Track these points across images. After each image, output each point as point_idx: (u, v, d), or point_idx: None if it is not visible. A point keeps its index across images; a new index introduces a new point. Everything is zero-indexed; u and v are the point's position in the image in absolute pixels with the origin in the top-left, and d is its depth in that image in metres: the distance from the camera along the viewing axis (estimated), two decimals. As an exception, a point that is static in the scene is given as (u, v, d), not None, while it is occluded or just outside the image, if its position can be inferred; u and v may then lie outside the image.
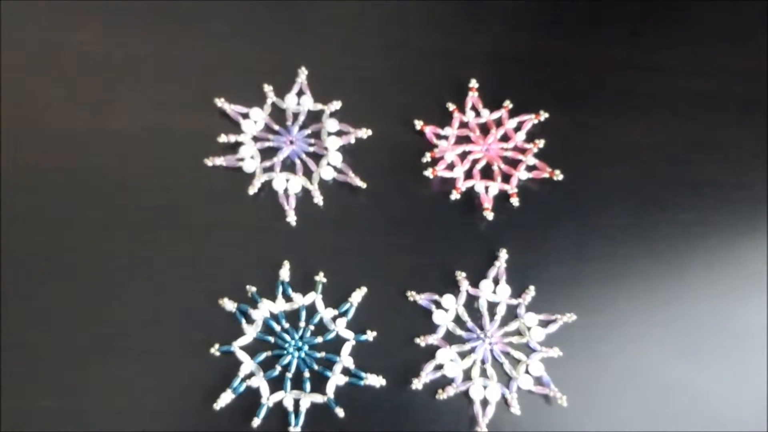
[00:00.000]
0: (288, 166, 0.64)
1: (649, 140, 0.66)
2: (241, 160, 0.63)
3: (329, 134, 0.64)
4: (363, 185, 0.62)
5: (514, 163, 0.64)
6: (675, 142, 0.66)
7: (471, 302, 0.59)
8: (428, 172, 0.62)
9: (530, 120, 0.65)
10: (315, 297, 0.58)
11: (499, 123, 0.66)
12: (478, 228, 0.62)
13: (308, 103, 0.65)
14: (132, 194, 0.62)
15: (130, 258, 0.60)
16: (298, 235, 0.61)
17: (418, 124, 0.65)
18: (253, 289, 0.59)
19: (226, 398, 0.55)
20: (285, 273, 0.59)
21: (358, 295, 0.58)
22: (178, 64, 0.67)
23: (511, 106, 0.66)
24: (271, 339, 0.57)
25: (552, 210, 0.63)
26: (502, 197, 0.63)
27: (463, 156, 0.64)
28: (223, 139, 0.63)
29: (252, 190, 0.62)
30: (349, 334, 0.57)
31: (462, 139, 0.65)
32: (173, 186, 0.63)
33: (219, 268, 0.60)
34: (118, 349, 0.57)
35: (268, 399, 0.55)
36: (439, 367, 0.57)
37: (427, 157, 0.64)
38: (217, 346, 0.57)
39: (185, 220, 0.61)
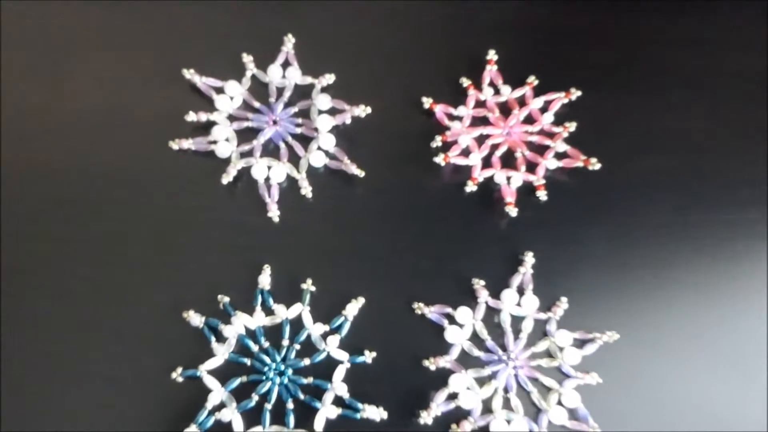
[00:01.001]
0: (270, 150, 0.52)
1: (696, 125, 0.54)
2: (214, 143, 0.51)
3: (320, 113, 0.52)
4: (360, 174, 0.51)
5: (540, 150, 0.53)
6: (726, 128, 0.54)
7: (491, 316, 0.48)
8: (439, 159, 0.51)
9: (559, 99, 0.54)
10: (301, 309, 0.47)
11: (522, 102, 0.54)
12: (499, 227, 0.51)
13: (295, 76, 0.53)
14: (82, 183, 0.51)
15: (77, 261, 0.48)
16: (281, 233, 0.50)
17: (427, 102, 0.53)
18: (226, 299, 0.47)
19: (189, 436, 0.43)
20: (265, 279, 0.47)
21: (353, 308, 0.47)
22: (141, 32, 0.55)
23: (536, 82, 0.54)
24: (247, 361, 0.45)
25: (586, 206, 0.51)
26: (527, 190, 0.52)
27: (481, 140, 0.53)
28: (191, 117, 0.51)
29: (226, 178, 0.50)
30: (342, 355, 0.46)
31: (479, 121, 0.54)
32: (131, 174, 0.51)
33: (184, 274, 0.48)
34: (63, 371, 0.46)
35: (242, 437, 0.44)
36: (453, 396, 0.45)
37: (437, 141, 0.52)
38: (179, 370, 0.45)
39: (145, 215, 0.50)
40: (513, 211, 0.50)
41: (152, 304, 0.47)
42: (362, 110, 0.52)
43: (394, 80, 0.55)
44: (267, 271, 0.48)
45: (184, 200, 0.50)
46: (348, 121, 0.52)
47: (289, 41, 0.55)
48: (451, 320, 0.47)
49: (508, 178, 0.51)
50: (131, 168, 0.51)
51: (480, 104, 0.54)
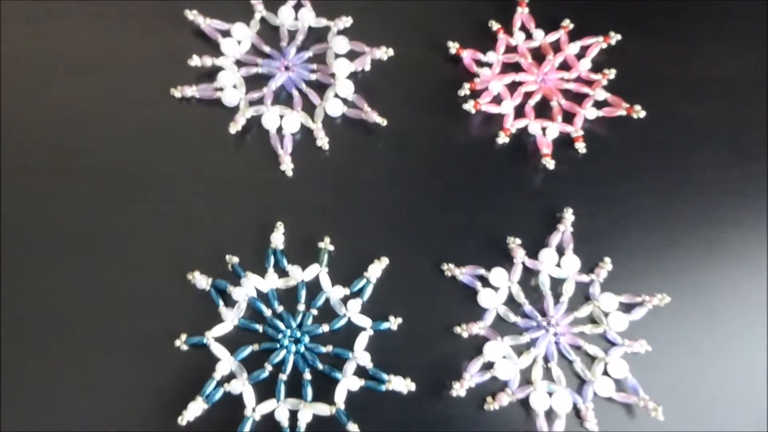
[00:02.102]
0: (283, 98, 0.46)
1: (741, 75, 0.48)
2: (220, 90, 0.45)
3: (337, 57, 0.46)
4: (382, 123, 0.44)
5: (578, 99, 0.47)
6: (776, 77, 0.48)
7: (528, 278, 0.42)
8: (469, 106, 0.45)
9: (597, 44, 0.48)
10: (319, 270, 0.41)
11: (557, 48, 0.48)
12: (534, 181, 0.45)
13: (309, 17, 0.47)
14: (75, 134, 0.45)
15: (73, 217, 0.42)
16: (295, 188, 0.44)
17: (453, 47, 0.47)
18: (235, 259, 0.41)
19: (195, 409, 0.38)
20: (278, 238, 0.41)
21: (376, 269, 0.41)
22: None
23: (571, 26, 0.48)
24: (259, 327, 0.40)
25: (627, 159, 0.46)
26: (564, 142, 0.46)
27: (513, 88, 0.47)
28: (195, 62, 0.45)
29: (234, 128, 0.44)
30: (365, 321, 0.40)
31: (510, 68, 0.48)
32: (129, 125, 0.45)
33: (189, 233, 0.42)
34: (61, 341, 0.40)
35: (254, 410, 0.38)
36: (488, 366, 0.40)
37: (465, 89, 0.46)
38: (184, 337, 0.39)
39: (146, 168, 0.44)
40: (550, 164, 0.44)
41: (153, 265, 0.41)
42: (384, 52, 0.46)
43: (416, 23, 0.49)
44: (280, 228, 0.42)
45: (188, 153, 0.44)
46: (367, 67, 0.46)
47: (301, -19, 0.49)
48: (485, 283, 0.42)
49: (544, 129, 0.45)
50: (129, 118, 0.45)
51: (511, 50, 0.48)
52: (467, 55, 0.47)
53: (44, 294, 0.41)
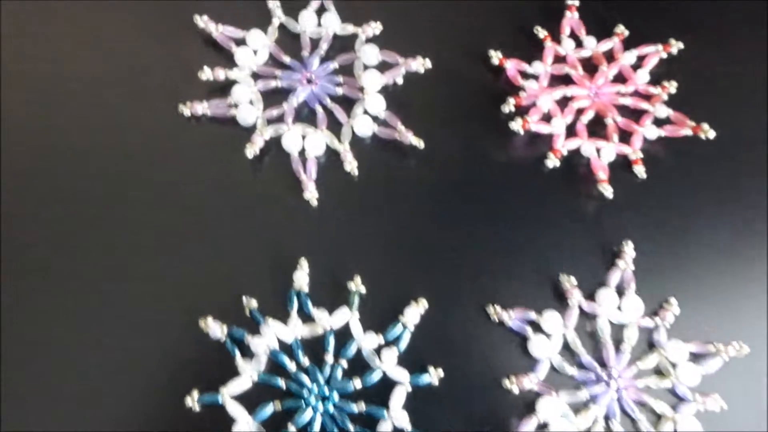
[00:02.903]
0: (305, 115, 0.40)
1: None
2: (235, 106, 0.39)
3: (366, 68, 0.40)
4: (419, 144, 0.39)
5: (635, 115, 0.41)
6: None
7: (585, 323, 0.37)
8: (516, 125, 0.39)
9: (656, 53, 0.42)
10: (349, 316, 0.35)
11: (610, 57, 0.42)
12: (588, 210, 0.39)
13: (334, 23, 0.41)
14: (76, 156, 0.39)
15: (73, 250, 0.37)
16: (320, 218, 0.38)
17: (495, 56, 0.41)
18: (253, 303, 0.36)
19: (209, 480, 0.32)
20: (302, 278, 0.36)
21: (414, 313, 0.36)
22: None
23: (626, 33, 0.42)
24: (282, 383, 0.34)
25: (695, 185, 0.40)
26: (621, 164, 0.40)
27: (563, 103, 0.41)
28: (206, 75, 0.40)
29: (251, 150, 0.38)
30: (402, 375, 0.34)
31: (558, 80, 0.42)
32: (132, 147, 0.40)
33: (200, 271, 0.37)
34: (60, 400, 0.35)
35: (278, 482, 0.33)
36: (543, 426, 0.34)
37: (509, 105, 0.40)
38: (196, 394, 0.34)
39: (150, 196, 0.39)
40: (608, 191, 0.38)
41: (159, 307, 0.36)
42: (420, 64, 0.40)
43: (453, 30, 0.43)
44: (304, 266, 0.36)
45: (198, 178, 0.39)
46: (400, 80, 0.40)
47: (325, -18, 0.43)
48: (536, 328, 0.36)
49: (598, 150, 0.40)
50: (131, 138, 0.39)
51: (559, 59, 0.42)
52: (511, 66, 0.41)
53: (44, 349, 0.35)
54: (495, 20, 0.43)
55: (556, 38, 0.42)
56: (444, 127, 0.40)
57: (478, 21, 0.43)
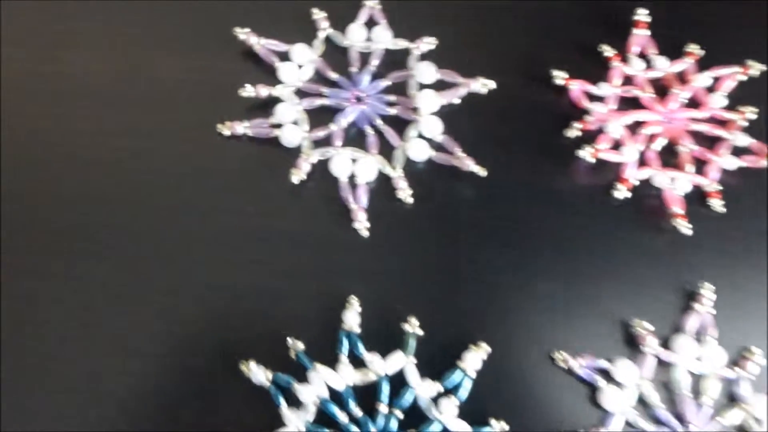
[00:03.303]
0: (352, 136, 0.37)
1: None
2: (278, 126, 0.36)
3: (422, 87, 0.37)
4: (481, 172, 0.35)
5: (711, 143, 0.37)
6: None
7: (661, 373, 0.33)
8: (585, 154, 0.36)
9: (733, 75, 0.39)
10: (405, 361, 0.32)
11: (683, 79, 0.39)
12: (661, 247, 0.36)
13: (385, 38, 0.38)
14: (104, 179, 0.36)
15: (98, 286, 0.34)
16: (371, 251, 0.35)
17: (559, 76, 0.38)
18: (299, 345, 0.32)
19: None
20: (353, 318, 0.33)
21: (475, 358, 0.32)
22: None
23: (701, 52, 0.39)
24: (332, 436, 0.31)
25: (776, 219, 0.36)
26: (696, 197, 0.36)
27: (633, 128, 0.37)
28: (248, 92, 0.36)
29: (297, 176, 0.35)
30: (463, 427, 0.31)
31: (626, 103, 0.38)
32: (168, 169, 0.36)
33: (241, 309, 0.34)
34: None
35: None
36: (618, 488, 0.31)
37: (575, 129, 0.37)
38: (238, 448, 0.30)
39: (186, 223, 0.35)
40: (685, 227, 0.35)
41: (196, 348, 0.33)
42: (482, 84, 0.36)
43: (512, 48, 0.40)
44: (354, 304, 0.33)
45: (238, 204, 0.35)
46: (456, 100, 0.37)
47: (374, -6, 0.39)
48: (608, 377, 0.33)
49: (672, 181, 0.36)
50: (166, 160, 0.36)
51: (628, 80, 0.39)
52: (576, 88, 0.38)
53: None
54: (557, 38, 0.40)
55: (625, 57, 0.39)
56: (503, 153, 0.37)
57: (539, 38, 0.40)
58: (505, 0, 0.40)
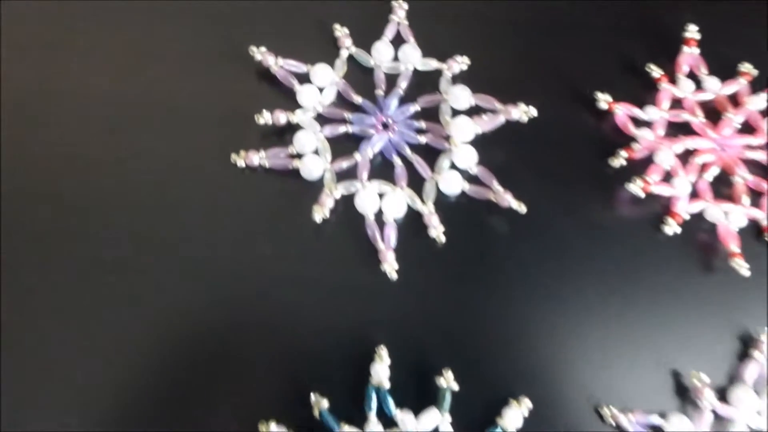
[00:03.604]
0: (379, 168, 0.34)
1: None
2: (298, 157, 0.33)
3: (455, 113, 0.34)
4: (520, 209, 0.32)
5: (766, 172, 0.34)
6: None
7: (718, 427, 0.30)
8: (636, 188, 0.33)
9: (791, 97, 0.35)
10: (439, 419, 0.29)
11: (736, 101, 0.36)
12: (715, 287, 0.33)
13: (414, 57, 0.35)
14: (105, 213, 0.33)
15: (117, 325, 0.31)
16: (401, 296, 0.32)
17: (603, 100, 0.35)
18: (324, 402, 0.29)
19: None
20: (382, 371, 0.30)
21: (515, 415, 0.29)
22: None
23: (755, 72, 0.36)
24: (362, 506, 0.28)
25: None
26: (752, 231, 0.33)
27: (683, 157, 0.34)
28: (264, 119, 0.33)
29: (320, 214, 0.32)
30: (505, 495, 0.28)
31: (675, 129, 0.35)
32: (175, 205, 0.33)
33: (259, 362, 0.31)
34: None
35: None
36: None
37: (620, 158, 0.34)
38: None
39: (197, 262, 0.32)
40: (743, 267, 0.32)
41: (211, 405, 0.30)
42: (523, 112, 0.33)
43: (550, 68, 0.36)
44: (384, 356, 0.30)
45: (255, 244, 0.32)
46: (489, 128, 0.34)
47: (401, 7, 0.36)
48: (661, 435, 0.30)
49: (726, 215, 0.33)
50: (176, 194, 0.33)
51: (676, 103, 0.36)
52: (622, 112, 0.35)
53: None
54: (599, 57, 0.37)
55: (673, 78, 0.36)
56: (542, 184, 0.34)
57: (580, 58, 0.37)
58: (543, 16, 0.37)
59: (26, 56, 0.36)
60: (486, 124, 0.33)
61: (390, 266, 0.31)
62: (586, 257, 0.33)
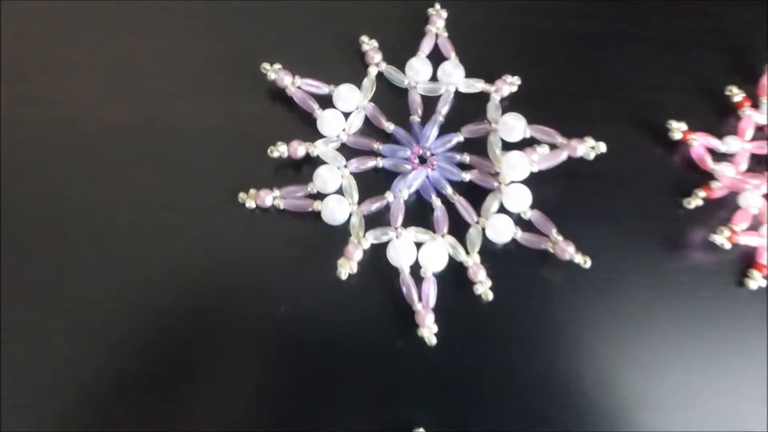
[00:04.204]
0: (416, 210, 0.28)
1: None
2: (318, 197, 0.27)
3: (506, 147, 0.28)
4: (585, 263, 0.27)
5: None
6: None
7: None
8: (721, 239, 0.27)
9: None
10: None
11: (827, 130, 0.30)
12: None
13: (455, 76, 0.29)
14: (102, 256, 0.28)
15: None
16: (442, 364, 0.27)
17: (677, 129, 0.29)
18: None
19: None
20: (421, 462, 0.25)
21: None
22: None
23: None
24: None
25: None
26: None
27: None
28: (279, 151, 0.28)
29: (345, 270, 0.26)
30: None
31: (758, 160, 0.30)
32: (176, 255, 0.28)
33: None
34: None
35: None
36: None
37: (696, 198, 0.28)
38: None
39: (205, 324, 0.27)
40: None
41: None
42: (590, 147, 0.28)
43: (614, 92, 0.31)
44: (422, 440, 0.25)
45: (268, 304, 0.27)
46: (547, 165, 0.28)
47: (439, 16, 0.30)
48: None
49: (822, 269, 0.28)
50: (173, 242, 0.28)
51: (759, 132, 0.30)
52: (698, 143, 0.29)
53: None
54: (671, 79, 0.31)
55: (755, 102, 0.30)
56: (604, 228, 0.28)
57: (649, 80, 0.31)
58: (605, 27, 0.32)
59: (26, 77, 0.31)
60: (544, 160, 0.27)
61: (429, 330, 0.26)
62: (656, 312, 0.28)
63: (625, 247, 0.29)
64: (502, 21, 0.31)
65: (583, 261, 0.27)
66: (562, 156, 0.28)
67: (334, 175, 0.27)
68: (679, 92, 0.31)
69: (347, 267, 0.26)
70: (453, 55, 0.30)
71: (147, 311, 0.27)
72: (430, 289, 0.27)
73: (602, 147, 0.27)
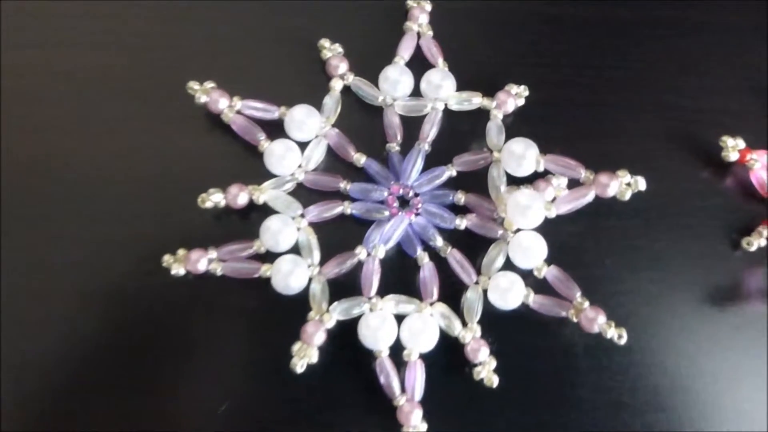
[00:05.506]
0: (396, 271, 0.21)
1: None
2: (266, 258, 0.21)
3: (512, 182, 0.21)
4: (620, 338, 0.20)
5: None
6: None
7: None
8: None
9: None
10: None
11: None
12: None
13: (444, 88, 0.22)
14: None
15: None
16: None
17: (733, 147, 0.22)
18: None
19: None
20: None
21: None
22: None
23: None
24: None
25: None
26: None
27: None
28: (213, 200, 0.21)
29: (302, 361, 0.20)
30: None
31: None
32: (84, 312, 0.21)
33: None
34: None
35: None
36: None
37: (760, 237, 0.22)
38: None
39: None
40: None
41: None
42: (625, 185, 0.20)
43: (644, 94, 0.24)
44: None
45: (199, 394, 0.20)
46: (568, 209, 0.21)
47: (422, 10, 0.23)
48: None
49: None
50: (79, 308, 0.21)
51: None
52: (761, 165, 0.22)
53: None
54: (719, 81, 0.24)
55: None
56: (641, 281, 0.22)
57: (692, 81, 0.24)
58: (634, 13, 0.24)
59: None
60: (565, 203, 0.20)
61: (415, 430, 0.19)
62: (709, 378, 0.21)
63: (664, 305, 0.22)
64: (502, 11, 0.24)
65: (617, 335, 0.20)
66: (588, 197, 0.20)
67: (287, 229, 0.21)
68: (736, 101, 0.24)
69: (305, 356, 0.19)
70: (440, 60, 0.23)
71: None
72: (417, 377, 0.20)
73: (642, 184, 0.20)
